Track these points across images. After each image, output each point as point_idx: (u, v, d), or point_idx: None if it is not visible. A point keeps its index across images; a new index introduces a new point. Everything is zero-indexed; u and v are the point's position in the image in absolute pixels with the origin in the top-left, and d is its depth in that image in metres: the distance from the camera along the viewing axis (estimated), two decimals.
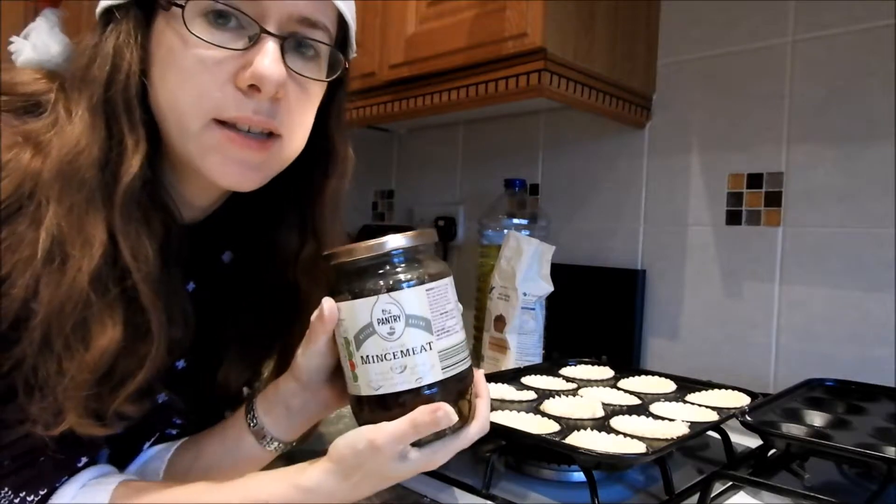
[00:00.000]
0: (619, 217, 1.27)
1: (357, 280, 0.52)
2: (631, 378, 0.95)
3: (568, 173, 1.36)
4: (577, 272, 1.27)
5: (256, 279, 0.67)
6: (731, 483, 0.69)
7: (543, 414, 0.76)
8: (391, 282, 0.51)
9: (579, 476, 0.69)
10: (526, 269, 1.13)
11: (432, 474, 0.70)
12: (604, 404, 0.81)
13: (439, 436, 0.52)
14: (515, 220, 1.26)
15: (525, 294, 1.12)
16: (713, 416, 0.78)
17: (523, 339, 1.13)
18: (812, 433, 0.71)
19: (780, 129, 1.07)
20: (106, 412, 0.51)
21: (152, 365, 0.52)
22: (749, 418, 0.71)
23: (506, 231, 1.21)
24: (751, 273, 1.09)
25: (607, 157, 1.29)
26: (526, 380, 0.94)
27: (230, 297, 0.67)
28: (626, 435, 0.69)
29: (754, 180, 1.09)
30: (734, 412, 0.77)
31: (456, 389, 0.53)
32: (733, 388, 0.88)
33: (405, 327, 0.50)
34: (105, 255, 0.50)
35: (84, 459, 0.54)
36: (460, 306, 0.56)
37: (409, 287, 0.51)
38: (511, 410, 0.77)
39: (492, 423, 0.71)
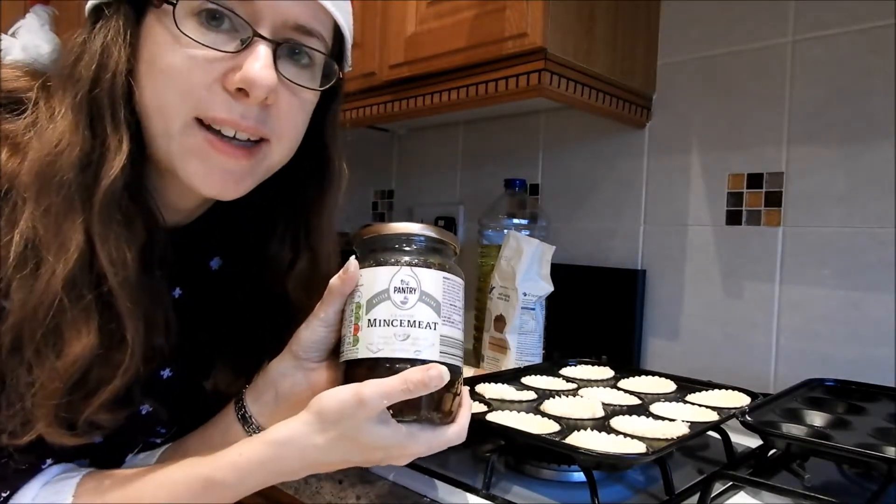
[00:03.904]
0: (619, 217, 1.27)
1: (383, 252, 0.55)
2: (631, 378, 0.95)
3: (568, 173, 1.36)
4: (577, 272, 1.27)
5: (246, 288, 0.66)
6: (731, 483, 0.69)
7: (543, 414, 0.76)
8: (415, 259, 0.54)
9: (579, 476, 0.69)
10: (526, 269, 1.13)
11: (432, 474, 0.70)
12: (604, 404, 0.81)
13: (422, 418, 0.52)
14: (515, 220, 1.26)
15: (525, 294, 1.12)
16: (713, 416, 0.78)
17: (523, 339, 1.13)
18: (812, 433, 0.71)
19: (780, 129, 1.07)
20: (77, 421, 0.50)
21: (127, 373, 0.51)
22: (749, 418, 0.71)
23: (506, 231, 1.21)
24: (751, 273, 1.09)
25: (607, 157, 1.29)
26: (526, 380, 0.93)
27: (219, 304, 0.66)
28: (626, 435, 0.69)
29: (754, 180, 1.09)
30: (734, 412, 0.77)
31: (447, 379, 0.53)
32: (733, 388, 0.88)
33: (418, 301, 0.53)
34: (81, 258, 0.49)
35: (49, 461, 0.53)
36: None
37: (430, 268, 0.54)
38: (511, 410, 0.77)
39: (492, 423, 0.72)
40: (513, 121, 1.45)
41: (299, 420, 0.50)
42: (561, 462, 0.71)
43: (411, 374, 0.49)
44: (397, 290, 0.53)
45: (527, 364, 1.10)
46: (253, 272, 0.66)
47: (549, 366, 1.02)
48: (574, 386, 0.91)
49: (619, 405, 0.82)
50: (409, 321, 0.52)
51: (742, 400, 0.85)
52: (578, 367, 1.03)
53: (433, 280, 0.54)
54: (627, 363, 1.18)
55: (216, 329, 0.65)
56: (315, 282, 0.64)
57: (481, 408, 0.78)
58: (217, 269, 0.69)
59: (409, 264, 0.54)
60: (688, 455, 0.80)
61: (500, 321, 1.14)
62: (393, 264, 0.54)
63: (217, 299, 0.66)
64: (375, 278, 0.54)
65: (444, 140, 1.61)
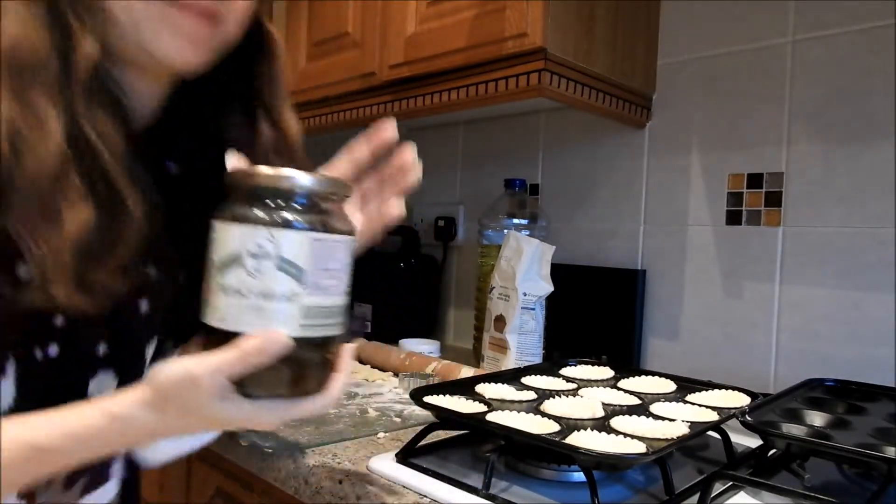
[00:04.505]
0: (619, 217, 1.27)
1: (244, 204, 0.48)
2: (631, 378, 0.95)
3: (568, 173, 1.36)
4: (577, 272, 1.27)
5: (214, 184, 0.67)
6: (731, 483, 0.69)
7: (543, 414, 0.76)
8: (277, 218, 0.46)
9: (579, 476, 0.69)
10: (526, 269, 1.13)
11: (432, 474, 0.70)
12: (604, 404, 0.81)
13: (275, 393, 0.48)
14: (515, 220, 1.26)
15: (525, 294, 1.12)
16: (713, 416, 0.78)
17: (523, 339, 1.13)
18: (812, 433, 0.71)
19: (780, 129, 1.07)
20: (93, 287, 0.50)
21: (132, 239, 0.52)
22: (749, 418, 0.71)
23: (506, 231, 1.21)
24: (751, 273, 1.09)
25: (607, 157, 1.29)
26: (526, 380, 0.93)
27: (186, 209, 0.65)
28: (626, 435, 0.69)
29: (754, 180, 1.09)
30: (734, 412, 0.77)
31: (311, 354, 0.48)
32: (733, 388, 0.88)
33: (274, 269, 0.46)
34: (68, 140, 0.49)
35: None
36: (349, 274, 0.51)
37: (294, 229, 0.47)
38: (511, 410, 0.77)
39: (492, 423, 0.72)
40: (513, 121, 1.45)
41: (135, 397, 0.48)
42: (561, 462, 0.71)
43: (246, 342, 0.46)
44: (251, 254, 0.46)
45: (527, 364, 1.10)
46: (219, 164, 0.66)
47: (549, 366, 1.02)
48: (574, 386, 0.91)
49: (619, 405, 0.82)
50: (262, 293, 0.46)
51: (742, 400, 0.85)
52: (578, 367, 1.02)
53: (297, 244, 0.46)
54: (627, 363, 1.18)
55: (190, 234, 0.64)
56: (287, 150, 0.65)
57: (481, 408, 0.78)
58: (176, 173, 0.68)
59: (269, 224, 0.46)
60: (688, 455, 0.80)
61: (500, 321, 1.14)
62: (249, 223, 0.46)
63: (183, 204, 0.65)
64: (229, 237, 0.47)
65: (444, 140, 1.61)
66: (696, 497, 0.65)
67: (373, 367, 1.21)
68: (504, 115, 1.46)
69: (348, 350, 0.53)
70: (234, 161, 0.54)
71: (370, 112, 1.30)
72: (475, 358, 1.27)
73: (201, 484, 0.97)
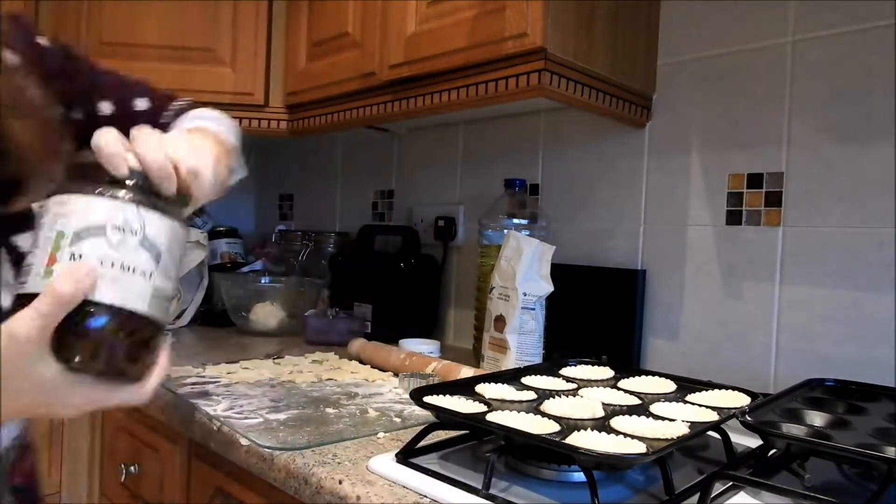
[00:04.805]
0: (619, 217, 1.27)
1: (114, 182, 0.49)
2: (631, 378, 0.95)
3: (568, 173, 1.36)
4: (577, 272, 1.27)
5: None
6: (731, 483, 0.69)
7: (543, 414, 0.76)
8: (149, 200, 0.49)
9: (579, 476, 0.69)
10: (526, 269, 1.13)
11: (432, 474, 0.70)
12: (604, 404, 0.81)
13: (98, 366, 0.48)
14: (515, 220, 1.26)
15: (525, 294, 1.12)
16: (713, 416, 0.78)
17: (523, 339, 1.13)
18: (812, 433, 0.71)
19: (780, 129, 1.07)
20: None
21: None
22: (749, 418, 0.71)
23: (506, 231, 1.21)
24: (751, 273, 1.09)
25: (607, 157, 1.29)
26: (526, 380, 0.93)
27: None
28: (626, 435, 0.69)
29: (754, 180, 1.09)
30: (734, 412, 0.77)
31: (148, 335, 0.50)
32: (733, 388, 0.88)
33: (137, 245, 0.48)
34: None
35: None
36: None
37: (162, 214, 0.50)
38: (511, 410, 0.77)
39: (492, 423, 0.72)
40: (513, 121, 1.45)
41: None
42: (561, 462, 0.71)
43: (55, 283, 0.44)
44: (116, 228, 0.47)
45: (527, 364, 1.10)
46: None
47: (549, 366, 1.02)
48: (574, 386, 0.91)
49: (619, 405, 0.82)
50: (121, 265, 0.47)
51: (742, 400, 0.85)
52: (578, 367, 1.02)
53: (162, 227, 0.49)
54: (627, 363, 1.18)
55: None
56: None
57: (481, 408, 0.78)
58: None
59: (138, 202, 0.48)
60: (688, 455, 0.80)
61: (500, 321, 1.14)
62: (119, 199, 0.48)
63: None
64: (91, 209, 0.47)
65: (444, 140, 1.61)
66: (696, 497, 0.65)
67: (373, 367, 1.21)
68: (504, 115, 1.46)
69: (167, 346, 0.53)
70: (101, 137, 0.51)
71: (370, 112, 1.30)
72: (475, 358, 1.27)
73: (201, 484, 0.97)
